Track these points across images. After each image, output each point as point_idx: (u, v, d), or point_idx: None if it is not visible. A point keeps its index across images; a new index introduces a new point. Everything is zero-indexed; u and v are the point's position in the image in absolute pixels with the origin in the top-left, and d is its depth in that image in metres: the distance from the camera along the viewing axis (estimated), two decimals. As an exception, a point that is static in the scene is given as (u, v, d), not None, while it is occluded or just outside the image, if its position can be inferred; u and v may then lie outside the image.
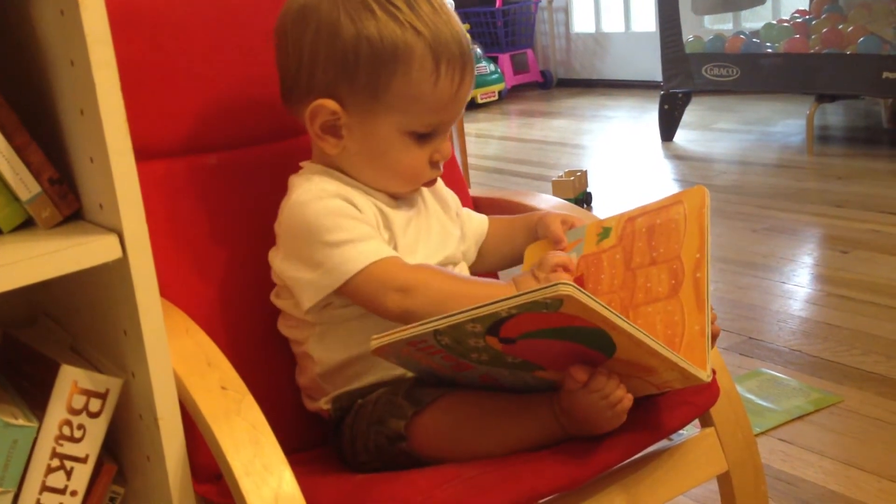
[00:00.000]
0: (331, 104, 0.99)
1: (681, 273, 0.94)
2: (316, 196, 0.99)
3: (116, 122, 0.81)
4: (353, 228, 0.97)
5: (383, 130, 1.00)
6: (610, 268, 1.00)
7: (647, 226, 1.00)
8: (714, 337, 0.93)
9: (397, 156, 1.01)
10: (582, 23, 6.01)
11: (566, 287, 0.77)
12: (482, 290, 0.94)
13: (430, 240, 1.07)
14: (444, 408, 0.92)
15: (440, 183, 1.13)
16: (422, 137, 1.01)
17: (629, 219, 1.03)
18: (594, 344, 0.84)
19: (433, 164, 1.03)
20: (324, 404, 1.02)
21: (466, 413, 0.92)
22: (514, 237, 1.15)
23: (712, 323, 0.92)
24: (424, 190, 1.10)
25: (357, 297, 0.97)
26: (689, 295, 0.92)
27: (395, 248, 1.01)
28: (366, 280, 0.95)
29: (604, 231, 1.04)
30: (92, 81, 0.80)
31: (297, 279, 0.98)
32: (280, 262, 1.01)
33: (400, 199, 1.07)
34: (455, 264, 1.10)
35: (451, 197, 1.15)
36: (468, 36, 1.01)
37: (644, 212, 1.02)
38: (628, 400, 0.89)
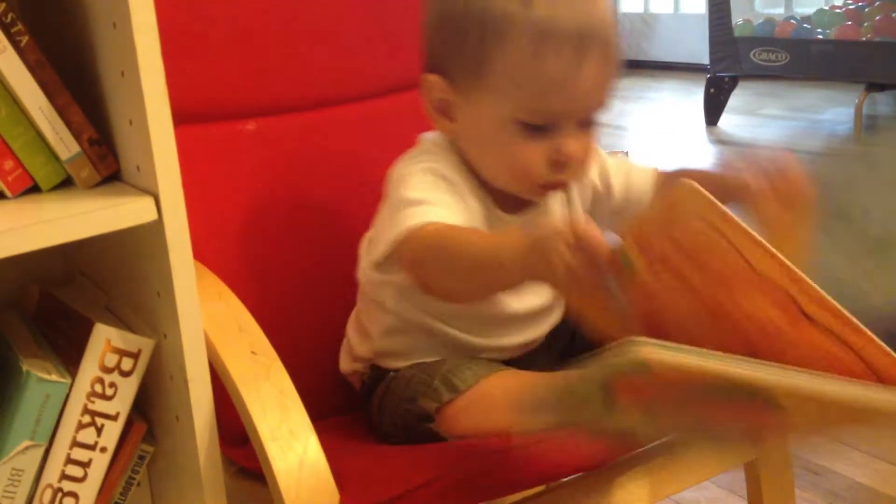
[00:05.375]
0: (436, 80, 0.92)
1: (784, 297, 0.69)
2: (427, 173, 0.91)
3: (156, 85, 0.81)
4: (430, 190, 0.89)
5: (490, 116, 0.89)
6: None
7: (674, 248, 0.71)
8: None
9: (505, 148, 0.89)
10: (630, 2, 5.94)
11: (641, 347, 0.60)
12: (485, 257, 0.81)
13: None
14: (477, 394, 0.91)
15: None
16: (535, 130, 0.88)
17: (637, 237, 0.72)
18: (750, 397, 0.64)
19: (553, 165, 0.89)
20: (360, 367, 1.03)
21: (497, 397, 0.92)
22: None
23: None
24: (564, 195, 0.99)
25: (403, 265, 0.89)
26: (829, 321, 0.68)
27: None
28: (404, 244, 0.87)
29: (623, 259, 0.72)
30: (133, 44, 0.80)
31: (378, 230, 0.93)
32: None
33: (524, 205, 0.96)
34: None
35: (585, 196, 1.01)
36: (610, 20, 0.88)
37: (643, 231, 0.72)
38: None
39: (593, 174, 1.02)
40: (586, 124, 0.90)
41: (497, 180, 0.93)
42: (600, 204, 1.03)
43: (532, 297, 0.99)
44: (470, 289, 0.86)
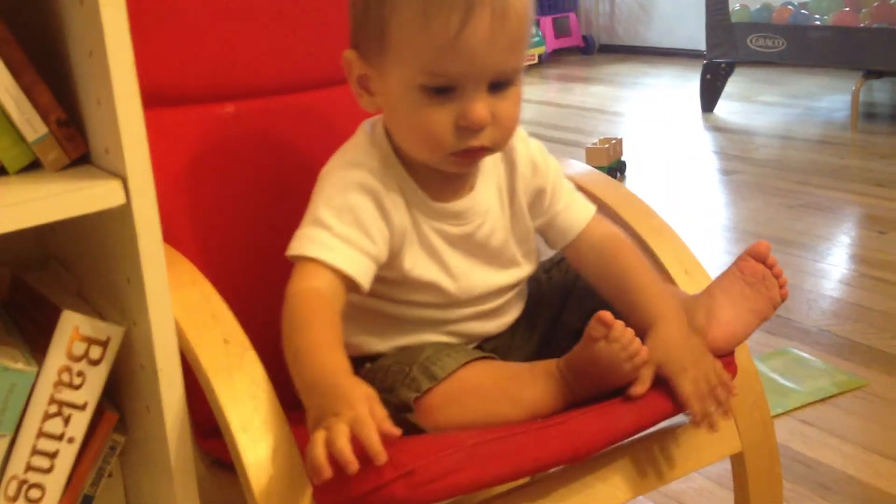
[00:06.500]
0: (352, 55, 0.92)
1: None
2: (346, 178, 0.91)
3: (123, 63, 0.78)
4: (343, 214, 0.89)
5: (396, 84, 0.89)
6: None
7: None
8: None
9: (412, 116, 0.88)
10: (627, -12, 5.91)
11: None
12: (315, 372, 0.79)
13: (484, 259, 0.98)
14: (456, 382, 0.89)
15: (525, 172, 0.99)
16: (440, 94, 0.86)
17: None
18: None
19: (462, 131, 0.87)
20: None
21: (478, 386, 0.90)
22: (618, 291, 0.98)
23: (782, 287, 0.98)
24: (503, 182, 0.99)
25: None
26: None
27: (439, 266, 0.95)
28: (294, 268, 0.88)
29: None
30: (100, 21, 0.77)
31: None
32: None
33: (455, 191, 0.95)
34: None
35: (530, 191, 1.00)
36: None
37: None
38: (645, 352, 0.88)
39: (548, 179, 1.01)
40: (498, 88, 0.87)
41: (412, 151, 0.92)
42: (539, 209, 1.01)
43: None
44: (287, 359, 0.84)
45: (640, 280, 0.98)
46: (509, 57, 0.87)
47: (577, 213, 1.02)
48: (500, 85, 0.87)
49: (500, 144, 0.91)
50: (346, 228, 0.89)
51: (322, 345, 0.82)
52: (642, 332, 0.91)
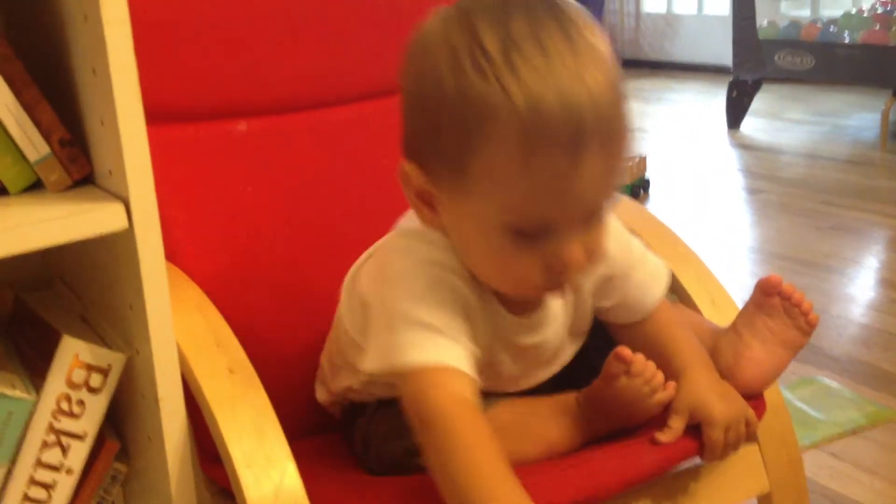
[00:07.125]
0: (414, 171, 0.77)
1: None
2: (432, 274, 0.79)
3: (127, 82, 0.76)
4: (437, 306, 0.77)
5: (475, 219, 0.75)
6: None
7: None
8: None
9: (496, 256, 0.76)
10: (653, 2, 5.86)
11: None
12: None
13: (538, 363, 0.90)
14: None
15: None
16: (528, 236, 0.73)
17: None
18: None
19: (553, 272, 0.75)
20: (339, 398, 0.96)
21: (495, 424, 0.85)
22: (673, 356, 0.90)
23: (807, 314, 0.91)
24: None
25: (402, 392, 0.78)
26: None
27: (494, 376, 0.86)
28: (410, 382, 0.76)
29: None
30: (103, 39, 0.75)
31: (366, 338, 0.82)
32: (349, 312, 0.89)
33: (531, 303, 0.86)
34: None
35: (596, 279, 0.89)
36: (607, 93, 0.71)
37: None
38: (672, 387, 0.85)
39: (617, 265, 0.89)
40: (591, 219, 0.76)
41: (488, 282, 0.80)
42: (605, 293, 0.91)
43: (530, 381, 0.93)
44: (440, 487, 0.75)
45: (668, 332, 0.91)
46: (609, 188, 0.75)
47: (644, 300, 0.92)
48: (593, 216, 0.76)
49: (585, 275, 0.83)
50: (453, 320, 0.78)
51: (496, 473, 0.73)
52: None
